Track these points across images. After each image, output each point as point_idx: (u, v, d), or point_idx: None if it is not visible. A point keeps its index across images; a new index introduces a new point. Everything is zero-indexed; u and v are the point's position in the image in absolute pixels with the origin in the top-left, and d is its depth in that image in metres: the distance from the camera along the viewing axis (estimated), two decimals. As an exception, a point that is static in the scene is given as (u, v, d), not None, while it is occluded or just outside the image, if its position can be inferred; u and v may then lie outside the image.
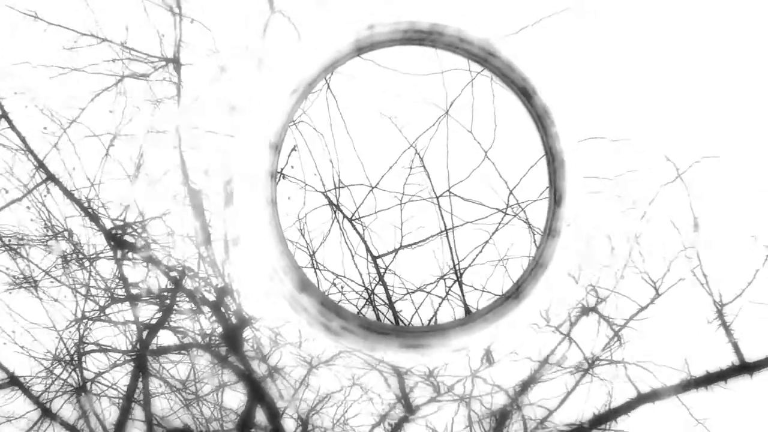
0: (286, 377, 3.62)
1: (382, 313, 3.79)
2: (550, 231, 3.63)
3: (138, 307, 3.60)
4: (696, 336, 3.49)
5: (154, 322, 3.62)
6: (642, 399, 3.56)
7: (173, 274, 3.54)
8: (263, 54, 3.29)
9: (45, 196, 3.50)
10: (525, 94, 3.58)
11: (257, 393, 3.65)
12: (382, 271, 3.77)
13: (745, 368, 3.47)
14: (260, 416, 3.70)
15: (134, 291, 3.58)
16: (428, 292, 3.79)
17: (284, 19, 3.27)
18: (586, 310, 3.51)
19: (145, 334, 3.63)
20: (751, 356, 3.48)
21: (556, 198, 3.60)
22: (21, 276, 3.60)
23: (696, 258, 3.43)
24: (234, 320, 3.59)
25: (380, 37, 3.47)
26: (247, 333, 3.59)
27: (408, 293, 3.79)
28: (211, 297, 3.58)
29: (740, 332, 3.48)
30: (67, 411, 3.71)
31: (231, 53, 3.29)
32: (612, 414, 3.59)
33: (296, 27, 3.27)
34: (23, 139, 3.43)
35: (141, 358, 3.64)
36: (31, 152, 3.44)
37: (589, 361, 3.56)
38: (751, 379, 3.49)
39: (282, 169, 3.72)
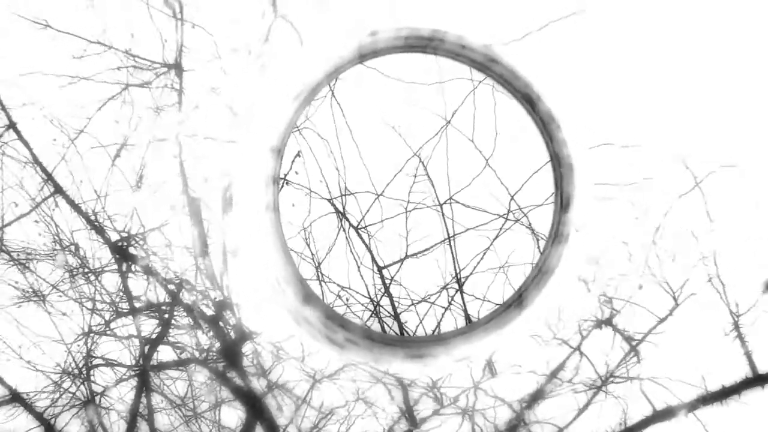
0: (288, 393, 3.53)
1: (388, 325, 3.70)
2: (556, 236, 3.53)
3: (140, 320, 3.58)
4: (711, 348, 3.38)
5: (154, 336, 3.59)
6: (657, 416, 3.42)
7: (171, 286, 3.52)
8: (266, 59, 3.31)
9: (53, 210, 3.53)
10: (529, 100, 3.53)
11: (256, 410, 3.57)
12: (387, 281, 3.69)
13: (757, 379, 3.38)
14: (261, 433, 3.62)
15: (137, 304, 3.56)
16: (432, 303, 3.69)
17: (287, 25, 3.29)
18: (599, 323, 3.36)
19: (146, 348, 3.59)
20: (763, 367, 3.39)
21: (562, 203, 3.50)
22: (30, 290, 3.61)
23: (713, 265, 3.30)
24: (233, 335, 3.53)
25: (382, 43, 3.47)
26: (246, 348, 3.53)
27: (413, 304, 3.69)
28: (209, 312, 3.53)
29: (755, 342, 3.38)
30: (74, 426, 3.67)
31: (233, 58, 3.32)
32: None
33: (299, 32, 3.28)
34: (31, 151, 3.46)
35: (144, 373, 3.60)
36: (40, 165, 3.48)
37: (603, 378, 3.41)
38: (763, 390, 3.39)
39: (286, 175, 3.69)
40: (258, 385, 3.55)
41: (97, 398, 3.65)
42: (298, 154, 3.68)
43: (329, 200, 3.69)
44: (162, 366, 3.59)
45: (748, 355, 3.36)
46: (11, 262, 3.59)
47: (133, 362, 3.61)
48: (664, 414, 3.42)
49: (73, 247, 3.55)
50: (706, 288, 3.33)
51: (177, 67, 3.36)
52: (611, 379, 3.42)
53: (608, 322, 3.38)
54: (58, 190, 3.49)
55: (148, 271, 3.51)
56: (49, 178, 3.48)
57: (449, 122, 3.61)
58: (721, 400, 3.39)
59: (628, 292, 3.36)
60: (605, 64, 3.27)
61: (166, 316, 3.55)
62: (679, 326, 3.37)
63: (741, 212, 3.30)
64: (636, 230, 3.32)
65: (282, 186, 3.68)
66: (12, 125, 3.45)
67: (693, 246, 3.31)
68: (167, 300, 3.53)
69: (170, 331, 3.57)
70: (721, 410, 3.40)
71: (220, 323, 3.51)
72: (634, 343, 3.38)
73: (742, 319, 3.34)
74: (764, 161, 3.28)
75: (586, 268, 3.35)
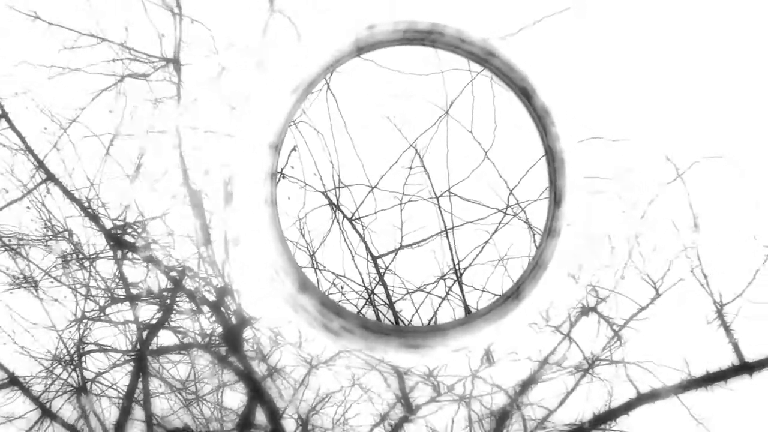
0: (286, 377, 3.62)
1: (382, 314, 3.79)
2: (550, 231, 3.63)
3: (138, 307, 3.60)
4: (696, 336, 3.48)
5: (154, 322, 3.62)
6: (642, 399, 3.54)
7: (173, 274, 3.54)
8: (263, 54, 3.29)
9: (45, 196, 3.50)
10: (525, 93, 3.57)
11: (257, 393, 3.65)
12: (382, 271, 3.77)
13: (744, 368, 3.46)
14: (260, 416, 3.70)
15: (134, 291, 3.57)
16: (428, 292, 3.78)
17: (284, 19, 3.26)
18: (586, 310, 3.49)
19: (145, 334, 3.62)
20: (750, 356, 3.47)
21: (556, 198, 3.59)
22: (21, 276, 3.59)
23: (696, 258, 3.41)
24: (234, 320, 3.59)
25: (380, 36, 3.46)
26: (247, 333, 3.59)
27: (408, 293, 3.79)
28: (211, 297, 3.58)
29: (740, 332, 3.46)
30: (67, 411, 3.71)
31: (231, 53, 3.29)
32: (612, 414, 3.57)
33: (296, 27, 3.26)
34: (23, 140, 3.42)
35: (141, 358, 3.63)
36: (31, 152, 3.44)
37: (589, 361, 3.55)
38: (751, 379, 3.47)
39: (282, 169, 3.71)
40: (258, 369, 3.62)
41: (88, 384, 3.67)
42: (294, 149, 3.70)
43: (323, 192, 3.72)
44: (162, 350, 3.63)
45: (735, 344, 3.46)
46: (3, 248, 3.55)
47: (130, 347, 3.63)
48: (649, 396, 3.53)
49: (66, 233, 3.53)
50: (689, 278, 3.43)
51: (175, 62, 3.33)
52: (597, 362, 3.53)
53: (594, 309, 3.49)
54: (50, 177, 3.45)
55: (149, 260, 3.52)
56: (40, 165, 3.44)
57: (447, 112, 3.63)
58: (706, 386, 3.49)
59: (612, 282, 3.46)
60: (599, 58, 3.31)
61: (168, 302, 3.57)
62: (663, 314, 3.47)
63: (725, 208, 3.40)
64: (621, 222, 3.41)
65: (279, 180, 3.70)
66: (4, 115, 3.39)
67: (675, 237, 3.40)
68: (169, 286, 3.56)
69: (172, 316, 3.60)
70: (706, 395, 3.50)
71: (222, 308, 3.56)
72: (616, 328, 3.49)
73: (726, 308, 3.44)
74: (759, 157, 3.37)
75: (575, 262, 3.46)
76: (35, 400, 3.68)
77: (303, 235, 3.76)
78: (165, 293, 3.58)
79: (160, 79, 3.35)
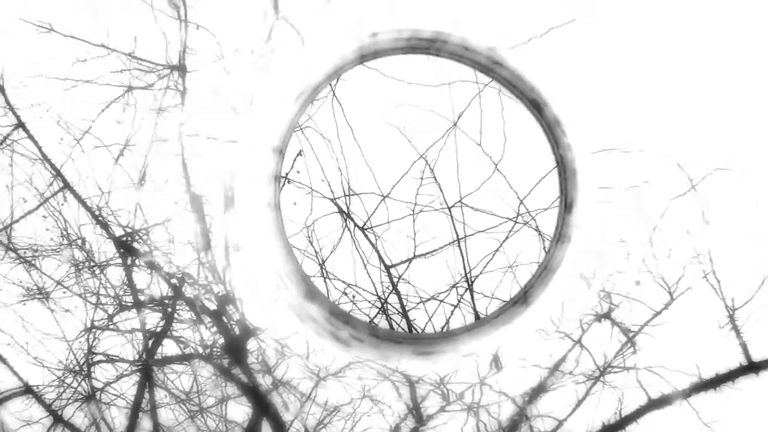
0: (293, 390, 3.56)
1: (396, 322, 3.73)
2: (559, 237, 3.57)
3: (144, 314, 3.60)
4: (706, 339, 3.44)
5: (158, 330, 3.61)
6: (652, 405, 3.49)
7: (173, 281, 3.54)
8: (267, 59, 3.33)
9: (62, 204, 3.56)
10: (535, 105, 3.55)
11: (262, 406, 3.59)
12: (395, 280, 3.73)
13: (751, 367, 3.45)
14: (266, 429, 3.63)
15: (141, 297, 3.58)
16: (441, 301, 3.73)
17: (289, 25, 3.31)
18: (599, 317, 3.42)
19: (150, 342, 3.62)
20: (757, 356, 3.46)
21: (566, 205, 3.55)
22: (35, 287, 3.64)
23: (708, 262, 3.37)
24: (237, 330, 3.55)
25: (383, 44, 3.48)
26: (251, 344, 3.55)
27: (422, 302, 3.73)
28: (212, 306, 3.55)
29: (748, 334, 3.45)
30: (79, 419, 3.71)
31: (235, 58, 3.33)
32: (622, 422, 3.50)
33: (300, 33, 3.30)
34: (40, 149, 3.50)
35: (146, 368, 3.62)
36: (48, 161, 3.51)
37: (601, 369, 3.47)
38: (758, 378, 3.46)
39: (287, 174, 3.71)
40: (263, 381, 3.57)
41: (97, 394, 3.67)
42: (299, 153, 3.70)
43: (332, 200, 3.71)
44: (166, 360, 3.62)
45: (744, 346, 3.43)
46: (18, 260, 3.60)
47: (136, 357, 3.63)
48: (659, 402, 3.48)
49: (79, 241, 3.57)
50: (701, 283, 3.40)
51: (180, 69, 3.38)
52: (609, 369, 3.48)
53: (607, 315, 3.42)
54: (67, 185, 3.52)
55: (152, 266, 3.53)
56: (58, 174, 3.51)
57: (455, 124, 3.63)
58: (715, 387, 3.46)
59: (626, 288, 3.41)
60: (609, 68, 3.28)
61: (169, 310, 3.57)
62: (675, 319, 3.44)
63: (737, 213, 3.36)
64: (634, 229, 3.37)
65: (283, 184, 3.71)
66: (21, 124, 3.48)
67: (688, 244, 3.37)
68: (170, 294, 3.56)
69: (173, 325, 3.59)
70: (714, 397, 3.47)
71: (223, 318, 3.54)
72: (630, 334, 3.44)
73: (737, 313, 3.42)
74: (762, 163, 3.34)
75: (587, 266, 3.39)
76: (48, 407, 3.70)
77: (311, 243, 3.75)
78: (166, 300, 3.58)
79: (164, 87, 3.40)
